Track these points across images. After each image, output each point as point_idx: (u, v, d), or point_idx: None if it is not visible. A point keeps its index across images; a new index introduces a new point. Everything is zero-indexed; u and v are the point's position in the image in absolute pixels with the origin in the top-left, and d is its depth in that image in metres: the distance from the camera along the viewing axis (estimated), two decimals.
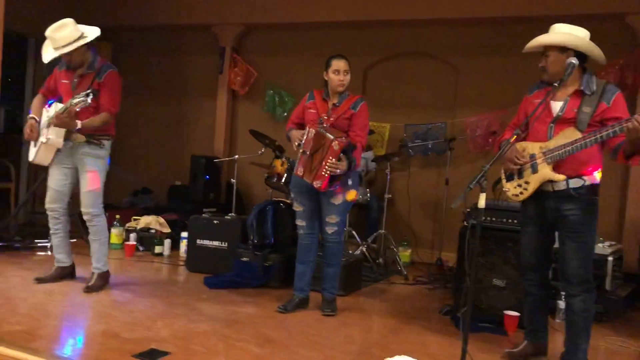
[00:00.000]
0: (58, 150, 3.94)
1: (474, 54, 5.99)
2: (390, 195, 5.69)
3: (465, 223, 3.95)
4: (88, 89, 3.72)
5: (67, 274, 4.21)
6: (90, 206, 3.97)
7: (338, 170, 3.58)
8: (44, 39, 3.88)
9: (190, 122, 7.52)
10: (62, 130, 3.84)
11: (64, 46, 3.76)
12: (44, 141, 3.88)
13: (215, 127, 7.19)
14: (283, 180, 5.02)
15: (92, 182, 3.96)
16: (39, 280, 4.08)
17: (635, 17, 5.07)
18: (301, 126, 3.91)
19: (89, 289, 3.96)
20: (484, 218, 3.75)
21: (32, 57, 7.14)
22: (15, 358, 2.71)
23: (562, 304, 4.05)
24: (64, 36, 3.77)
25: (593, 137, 2.78)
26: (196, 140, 7.42)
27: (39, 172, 5.81)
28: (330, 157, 3.56)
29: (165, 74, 7.49)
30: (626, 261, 4.85)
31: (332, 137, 3.58)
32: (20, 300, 3.67)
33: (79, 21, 3.93)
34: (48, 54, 3.85)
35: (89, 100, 3.65)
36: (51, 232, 4.13)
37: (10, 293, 3.82)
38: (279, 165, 5.11)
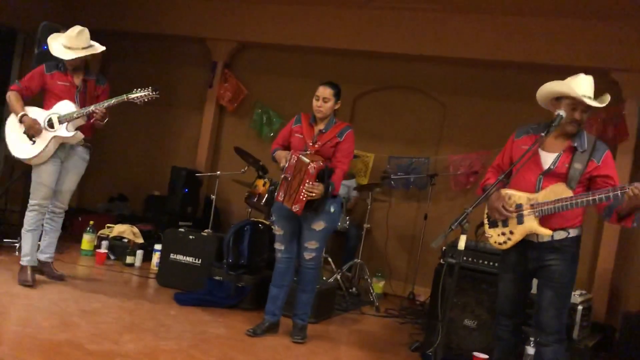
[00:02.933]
0: (58, 148, 4.04)
1: (462, 93, 6.09)
2: (369, 225, 5.70)
3: (441, 261, 3.96)
4: (95, 92, 4.14)
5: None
6: (67, 203, 4.28)
7: (313, 194, 3.56)
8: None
9: (174, 133, 7.47)
10: (76, 126, 4.02)
11: (83, 48, 4.04)
12: (69, 135, 3.99)
13: (199, 141, 7.15)
14: (264, 200, 5.00)
15: (77, 182, 4.26)
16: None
17: (620, 73, 5.22)
18: (286, 148, 3.90)
19: (64, 278, 4.18)
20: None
21: (20, 52, 7.04)
22: None
23: (530, 349, 4.07)
24: (83, 41, 4.04)
25: (585, 199, 2.77)
26: (179, 152, 7.37)
27: (15, 170, 5.70)
28: (307, 181, 3.55)
29: (153, 82, 7.36)
30: (595, 310, 4.90)
31: (307, 160, 3.59)
32: None
33: (71, 22, 4.16)
34: (65, 53, 4.00)
35: (156, 95, 3.96)
36: (30, 229, 4.08)
37: None
38: (260, 185, 5.10)
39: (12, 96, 4.06)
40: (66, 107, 4.02)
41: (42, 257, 4.23)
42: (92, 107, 3.96)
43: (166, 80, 7.40)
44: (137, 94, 3.96)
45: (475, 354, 3.77)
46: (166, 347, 3.29)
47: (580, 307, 4.39)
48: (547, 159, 2.96)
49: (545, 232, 2.89)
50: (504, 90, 5.90)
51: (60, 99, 4.04)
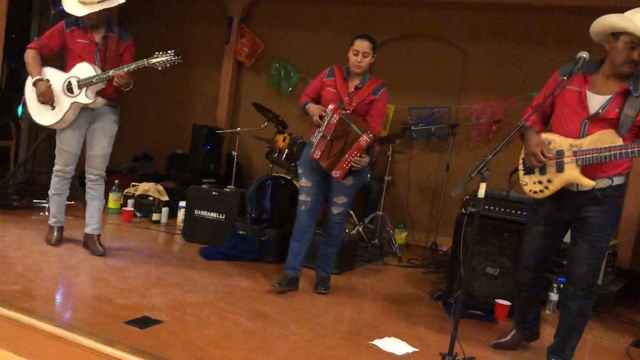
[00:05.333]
0: (79, 113, 3.90)
1: (483, 40, 5.93)
2: (390, 178, 5.69)
3: (463, 210, 3.95)
4: (117, 51, 3.89)
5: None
6: (103, 168, 4.09)
7: (360, 166, 3.58)
8: None
9: (193, 91, 7.47)
10: (95, 90, 3.84)
11: (98, 2, 3.73)
12: (89, 102, 3.83)
13: (218, 98, 7.15)
14: (284, 156, 5.00)
15: (109, 145, 4.06)
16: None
17: None
18: (316, 101, 3.81)
19: (103, 247, 4.05)
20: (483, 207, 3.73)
21: (37, 13, 7.04)
22: (10, 318, 2.73)
23: (553, 295, 4.09)
24: None
25: (638, 149, 2.55)
26: (199, 110, 7.39)
27: (40, 131, 5.79)
28: (356, 152, 3.54)
29: (170, 41, 7.38)
30: (620, 257, 4.87)
31: (359, 132, 3.55)
32: (15, 260, 3.68)
33: None
34: (78, 9, 3.75)
35: (178, 59, 3.74)
36: (55, 192, 4.09)
37: (6, 252, 3.84)
38: (280, 140, 5.09)
39: (29, 56, 3.87)
40: (85, 70, 3.81)
41: (86, 229, 4.12)
42: (111, 72, 3.75)
43: (183, 38, 7.37)
44: (159, 59, 3.74)
45: (498, 301, 3.81)
46: (193, 300, 3.38)
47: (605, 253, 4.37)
48: (595, 102, 2.71)
49: (588, 183, 2.70)
50: (525, 35, 5.71)
51: (80, 58, 3.84)
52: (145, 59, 3.75)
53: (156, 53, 3.76)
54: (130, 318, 2.93)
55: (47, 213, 4.59)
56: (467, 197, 3.92)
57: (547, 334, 3.26)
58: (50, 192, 4.14)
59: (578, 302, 2.85)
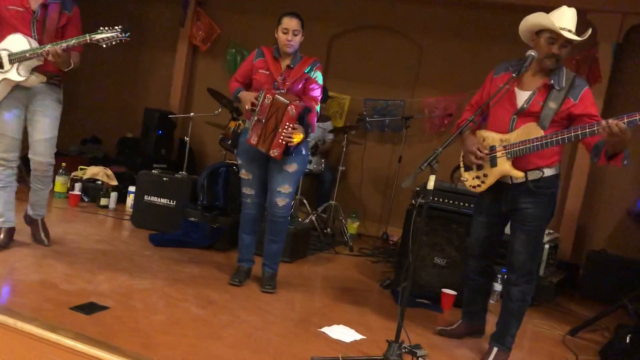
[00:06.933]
0: (11, 90, 3.48)
1: (439, 35, 6.03)
2: (343, 168, 5.73)
3: (413, 202, 4.03)
4: (58, 23, 3.46)
5: (13, 234, 3.75)
6: (49, 155, 3.64)
7: (294, 137, 3.38)
8: None
9: (146, 73, 7.31)
10: (30, 67, 3.42)
11: None
12: (20, 79, 3.40)
13: (172, 82, 7.02)
14: (229, 142, 4.94)
15: (52, 128, 3.61)
16: None
17: (596, 14, 5.19)
18: (247, 86, 3.67)
19: (47, 236, 3.80)
20: (432, 198, 3.82)
21: None
22: None
23: (497, 286, 4.24)
24: None
25: (555, 139, 2.71)
26: (151, 93, 7.23)
27: None
28: (287, 123, 3.35)
29: (123, 20, 7.19)
30: (561, 249, 5.08)
31: (287, 101, 3.35)
32: None
33: None
34: None
35: (125, 37, 3.32)
36: None
37: None
38: (234, 127, 5.05)
39: None
40: (18, 43, 3.36)
41: (29, 211, 3.86)
42: (47, 47, 3.31)
43: (136, 17, 7.18)
44: (103, 35, 3.31)
45: (444, 290, 3.91)
46: (140, 287, 3.33)
47: (547, 246, 4.56)
48: (522, 97, 2.89)
49: (517, 174, 2.85)
50: (481, 31, 5.84)
51: (14, 28, 3.38)
52: (87, 35, 3.33)
53: (100, 28, 3.36)
54: (76, 304, 2.87)
55: None
56: (418, 188, 3.99)
57: (490, 322, 3.37)
58: None
59: (519, 287, 2.98)
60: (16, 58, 3.38)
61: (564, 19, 2.77)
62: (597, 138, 2.69)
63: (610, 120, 2.51)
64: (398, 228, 5.51)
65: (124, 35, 3.34)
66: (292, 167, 3.55)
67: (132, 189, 5.20)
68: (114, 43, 3.36)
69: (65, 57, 3.38)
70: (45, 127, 3.58)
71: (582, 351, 3.50)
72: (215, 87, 5.67)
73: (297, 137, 3.41)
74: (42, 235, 3.83)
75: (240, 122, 5.03)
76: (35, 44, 3.41)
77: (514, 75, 2.86)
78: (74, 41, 3.34)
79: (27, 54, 3.37)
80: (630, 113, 2.52)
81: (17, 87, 3.49)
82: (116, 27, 3.34)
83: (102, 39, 3.33)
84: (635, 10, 5.16)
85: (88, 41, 3.34)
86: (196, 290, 3.45)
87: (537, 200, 2.89)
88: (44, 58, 3.37)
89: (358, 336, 3.12)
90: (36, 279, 3.20)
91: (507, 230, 3.13)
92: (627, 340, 3.20)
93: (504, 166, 2.89)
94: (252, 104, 3.47)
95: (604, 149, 2.67)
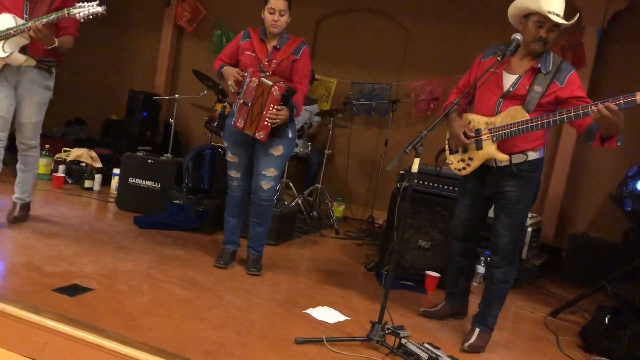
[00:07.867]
0: (1, 71, 3.52)
1: (425, 18, 6.01)
2: (330, 151, 5.73)
3: (398, 185, 4.05)
4: (52, 4, 3.47)
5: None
6: (33, 137, 3.74)
7: (278, 119, 3.36)
8: None
9: (130, 54, 7.22)
10: (18, 45, 3.44)
11: None
12: (3, 55, 3.42)
13: (157, 63, 6.94)
14: (215, 124, 4.91)
15: (39, 112, 3.70)
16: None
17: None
18: (232, 67, 3.60)
19: (15, 219, 3.79)
20: (416, 182, 3.84)
21: None
22: None
23: (480, 268, 4.29)
24: None
25: (539, 122, 2.72)
26: (136, 75, 7.15)
27: None
28: (271, 105, 3.32)
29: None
30: (543, 232, 5.14)
31: (270, 83, 3.32)
32: None
33: None
34: None
35: (102, 10, 3.32)
36: None
37: None
38: (220, 109, 5.02)
39: None
40: (5, 21, 3.43)
41: (13, 196, 3.88)
42: (29, 24, 3.35)
43: None
44: (79, 9, 3.33)
45: (428, 272, 3.95)
46: (125, 268, 3.32)
47: (530, 229, 4.61)
48: (508, 80, 2.90)
49: (502, 157, 2.87)
50: (468, 15, 5.84)
51: (6, 10, 3.46)
52: (65, 9, 3.36)
53: (79, 3, 3.38)
54: (60, 286, 2.86)
55: None
56: (402, 172, 4.01)
57: (473, 304, 3.41)
58: None
59: (502, 270, 3.02)
60: (2, 35, 3.42)
61: (552, 3, 2.78)
62: (588, 121, 2.69)
63: (599, 104, 2.50)
64: (384, 211, 5.53)
65: (100, 8, 3.35)
66: (278, 151, 3.53)
67: (116, 171, 5.17)
68: (90, 17, 3.39)
69: (46, 32, 3.40)
70: (32, 112, 3.67)
71: (563, 332, 3.57)
72: (201, 68, 5.63)
73: (282, 118, 3.39)
74: (15, 213, 3.81)
75: (226, 104, 5.00)
76: (20, 22, 3.43)
77: (498, 58, 2.87)
78: (53, 16, 3.38)
79: (12, 31, 3.41)
80: (627, 94, 2.47)
81: (7, 67, 3.52)
82: (92, 1, 3.37)
83: (79, 12, 3.36)
84: None
85: (66, 15, 3.37)
86: (181, 272, 3.45)
87: (520, 184, 2.92)
88: (30, 36, 3.42)
89: (342, 317, 3.15)
90: (20, 261, 3.18)
91: (491, 213, 3.16)
92: (606, 321, 3.26)
93: (489, 149, 2.90)
94: (237, 83, 3.44)
95: (599, 132, 2.66)
